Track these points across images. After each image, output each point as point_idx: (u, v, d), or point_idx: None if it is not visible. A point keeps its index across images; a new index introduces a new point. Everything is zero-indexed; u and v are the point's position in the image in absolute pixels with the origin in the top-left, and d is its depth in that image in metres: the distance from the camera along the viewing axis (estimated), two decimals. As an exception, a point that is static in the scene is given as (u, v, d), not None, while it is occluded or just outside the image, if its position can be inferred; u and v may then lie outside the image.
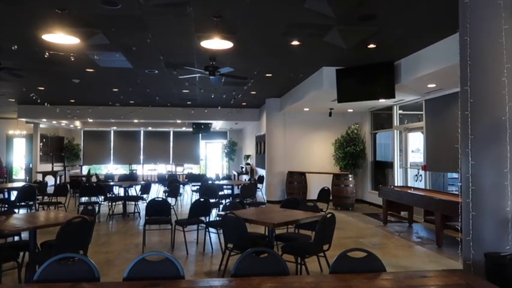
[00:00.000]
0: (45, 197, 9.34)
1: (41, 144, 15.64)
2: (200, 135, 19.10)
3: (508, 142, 3.46)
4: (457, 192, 6.81)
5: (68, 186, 10.04)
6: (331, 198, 8.93)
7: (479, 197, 3.51)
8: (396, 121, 10.10)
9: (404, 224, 8.32)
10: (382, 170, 11.16)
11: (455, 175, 8.68)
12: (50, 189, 10.01)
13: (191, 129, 17.46)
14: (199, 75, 7.32)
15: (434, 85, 7.31)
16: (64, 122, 15.81)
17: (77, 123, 17.13)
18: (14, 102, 12.90)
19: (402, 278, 2.48)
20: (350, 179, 10.46)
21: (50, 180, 14.54)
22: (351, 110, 11.33)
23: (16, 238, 5.45)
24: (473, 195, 3.54)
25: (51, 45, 5.88)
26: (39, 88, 10.21)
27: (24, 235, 4.77)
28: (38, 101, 11.64)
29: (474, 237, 3.51)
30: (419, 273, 2.75)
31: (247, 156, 17.21)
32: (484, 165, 3.51)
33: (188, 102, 13.03)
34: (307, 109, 11.13)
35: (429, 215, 7.65)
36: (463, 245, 3.64)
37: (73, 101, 12.63)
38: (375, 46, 6.29)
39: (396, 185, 9.59)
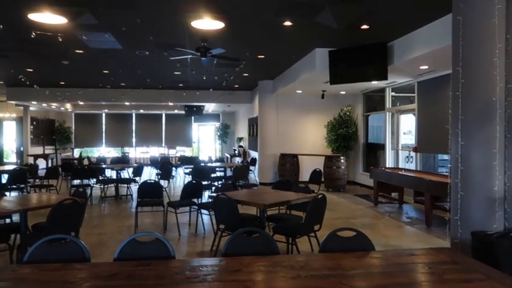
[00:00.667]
0: (37, 180, 9.29)
1: (32, 127, 15.47)
2: (192, 117, 19.03)
3: (498, 123, 3.48)
4: (446, 174, 6.89)
5: (60, 169, 9.99)
6: (323, 179, 8.99)
7: (468, 177, 3.55)
8: (388, 103, 10.12)
9: (395, 204, 8.43)
10: (374, 152, 11.23)
11: (445, 157, 8.77)
12: (42, 172, 9.97)
13: (183, 112, 17.36)
14: (190, 56, 7.22)
15: (426, 67, 7.30)
16: (54, 105, 15.62)
17: (68, 106, 16.93)
18: (2, 85, 12.67)
19: (391, 256, 2.52)
20: (342, 160, 10.52)
21: (41, 163, 14.45)
22: (344, 92, 11.31)
23: (8, 221, 5.43)
24: (462, 175, 3.58)
25: (38, 25, 5.74)
26: (28, 70, 10.03)
27: (16, 218, 4.76)
28: (27, 83, 11.44)
29: (462, 217, 3.57)
30: (407, 251, 2.79)
31: (240, 139, 17.20)
32: (473, 145, 3.55)
33: (180, 85, 12.90)
34: (300, 91, 11.09)
35: (420, 196, 7.75)
36: (450, 224, 3.70)
37: (62, 83, 12.44)
38: (368, 27, 6.23)
39: (387, 166, 9.68)
